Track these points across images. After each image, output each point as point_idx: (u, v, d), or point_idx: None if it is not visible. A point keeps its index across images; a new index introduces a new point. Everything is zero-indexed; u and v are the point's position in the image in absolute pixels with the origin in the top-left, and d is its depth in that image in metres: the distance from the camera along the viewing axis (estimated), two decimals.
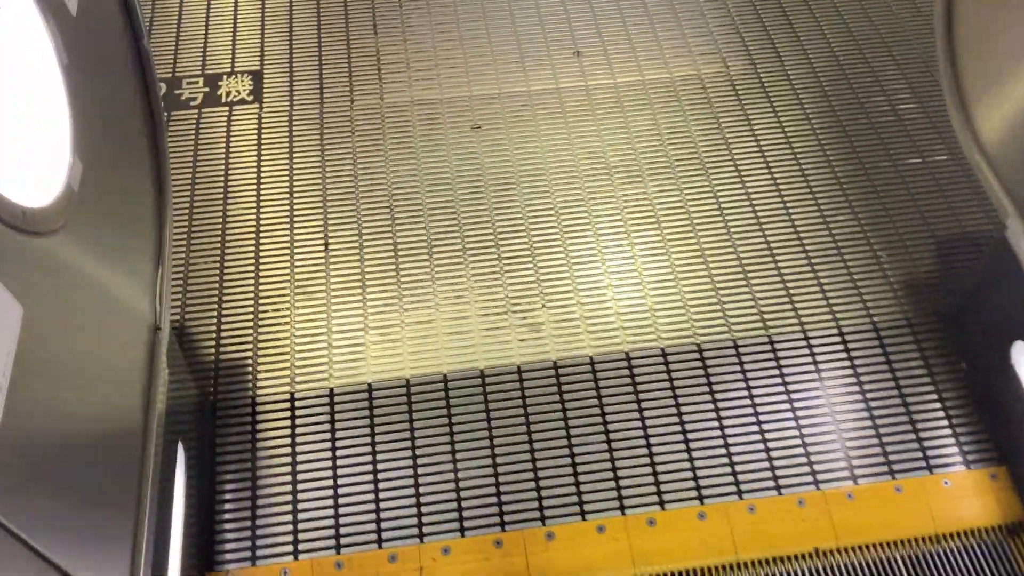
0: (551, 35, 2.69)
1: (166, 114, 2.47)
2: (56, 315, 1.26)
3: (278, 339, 2.05)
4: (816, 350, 2.07)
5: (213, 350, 2.03)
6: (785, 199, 2.34)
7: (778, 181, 2.38)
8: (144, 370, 1.62)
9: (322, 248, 2.21)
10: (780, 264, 2.21)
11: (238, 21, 2.71)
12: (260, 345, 2.04)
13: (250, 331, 2.06)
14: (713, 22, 2.74)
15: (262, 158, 2.39)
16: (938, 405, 2.01)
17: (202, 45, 2.65)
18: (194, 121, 2.46)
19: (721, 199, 2.34)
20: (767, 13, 2.75)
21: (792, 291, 2.16)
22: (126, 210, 1.63)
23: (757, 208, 2.32)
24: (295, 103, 2.51)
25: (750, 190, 2.36)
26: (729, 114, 2.53)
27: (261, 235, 2.23)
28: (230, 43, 2.65)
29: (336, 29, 2.70)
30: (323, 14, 2.74)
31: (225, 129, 2.45)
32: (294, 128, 2.46)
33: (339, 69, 2.60)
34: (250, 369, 2.00)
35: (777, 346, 2.06)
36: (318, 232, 2.24)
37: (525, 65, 2.63)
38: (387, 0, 2.79)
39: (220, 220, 2.25)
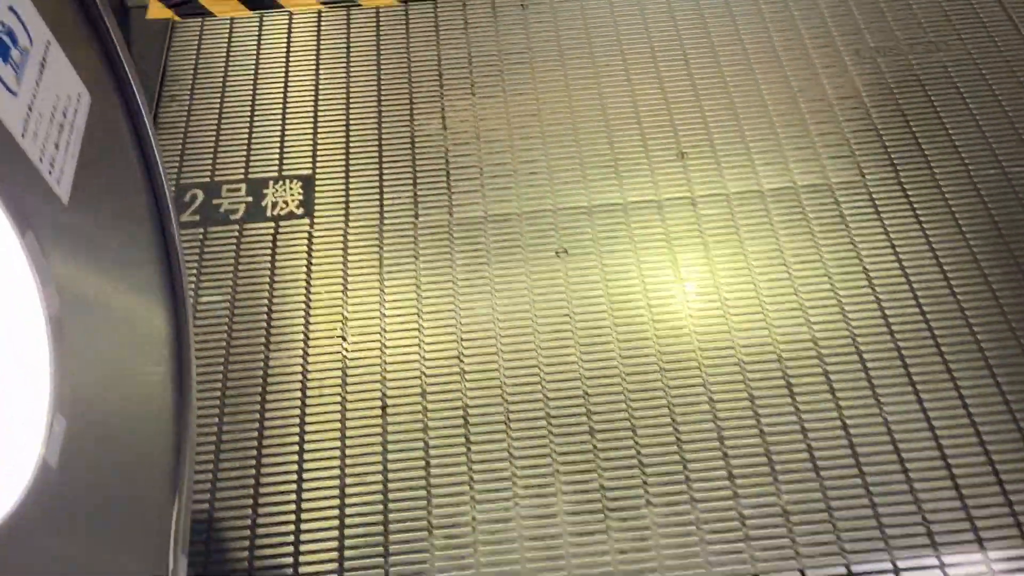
0: (651, 136, 2.28)
1: (202, 230, 2.14)
2: None
3: (324, 542, 1.69)
4: (995, 565, 1.63)
5: (247, 553, 1.67)
6: (944, 352, 1.89)
7: (933, 327, 1.93)
8: None
9: (379, 413, 1.84)
10: (942, 441, 1.77)
11: (287, 114, 2.37)
12: (302, 550, 1.68)
13: (291, 530, 1.70)
14: (844, 116, 2.30)
15: (311, 291, 2.03)
16: None
17: (246, 144, 2.31)
18: (234, 241, 2.11)
19: (864, 353, 1.90)
20: (913, 111, 2.30)
21: (961, 484, 1.72)
22: (132, 446, 1.28)
23: (909, 364, 1.88)
24: (351, 220, 2.15)
25: (899, 340, 1.92)
26: (866, 233, 2.09)
27: (307, 396, 1.87)
28: (278, 142, 2.31)
29: (399, 126, 2.34)
30: (384, 107, 2.38)
31: (270, 252, 2.10)
32: (349, 253, 2.09)
33: (402, 175, 2.24)
34: None
35: (950, 571, 1.62)
36: (375, 391, 1.87)
37: (619, 170, 2.22)
38: (458, 88, 2.42)
39: (260, 375, 1.90)
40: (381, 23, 2.58)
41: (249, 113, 2.37)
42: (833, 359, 1.89)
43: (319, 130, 2.33)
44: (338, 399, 1.87)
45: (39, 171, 1.12)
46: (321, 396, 1.87)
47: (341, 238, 2.13)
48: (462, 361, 1.92)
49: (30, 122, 1.12)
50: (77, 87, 1.27)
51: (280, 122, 2.34)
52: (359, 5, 2.63)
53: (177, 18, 2.61)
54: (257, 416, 1.84)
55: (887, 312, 1.96)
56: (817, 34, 2.49)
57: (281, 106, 2.39)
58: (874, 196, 2.15)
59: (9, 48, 1.10)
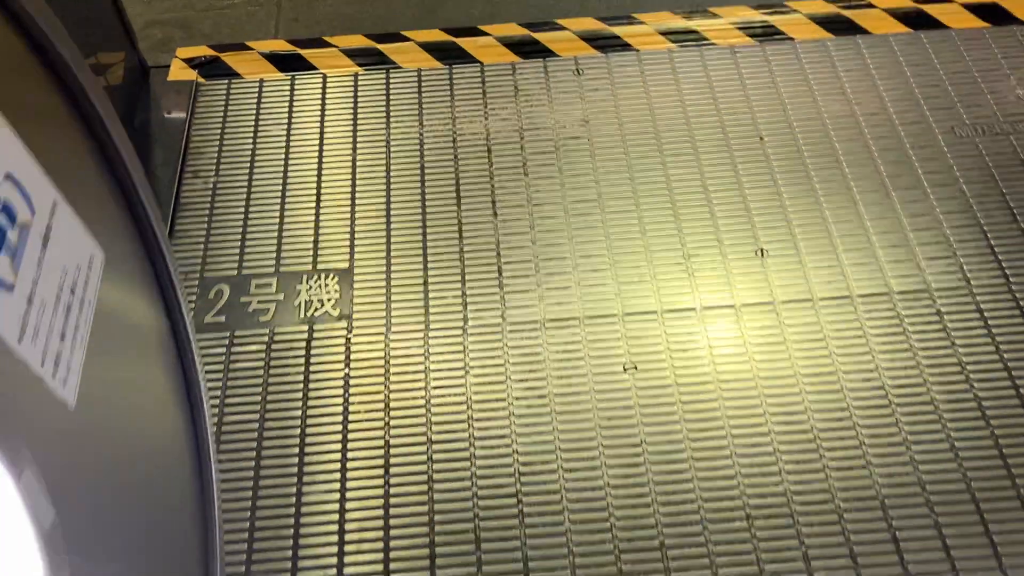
0: (726, 229, 2.05)
1: (228, 334, 1.92)
2: None
3: None
4: None
5: None
6: None
7: None
8: None
9: (427, 565, 1.62)
10: None
11: (322, 194, 2.15)
12: None
13: None
14: (942, 207, 2.06)
15: (349, 412, 1.81)
16: None
17: (276, 229, 2.09)
18: (263, 348, 1.90)
19: (981, 501, 1.67)
20: (1020, 202, 2.06)
21: None
22: None
23: None
24: (393, 323, 1.93)
25: (1019, 484, 1.68)
26: (974, 349, 1.85)
27: (345, 542, 1.65)
28: (311, 228, 2.09)
29: (444, 210, 2.11)
30: (428, 187, 2.16)
31: (303, 361, 1.88)
32: (391, 364, 1.87)
33: (449, 270, 2.01)
34: None
35: None
36: (422, 539, 1.65)
37: (692, 268, 1.99)
38: (508, 167, 2.19)
39: (292, 516, 1.68)
40: (423, 87, 2.36)
41: (280, 192, 2.16)
42: (944, 507, 1.66)
43: (357, 214, 2.12)
44: (380, 546, 1.65)
45: (41, 379, 0.91)
46: (361, 542, 1.65)
47: (382, 346, 1.91)
48: (521, 502, 1.69)
49: (30, 319, 0.90)
50: (89, 248, 1.06)
51: (314, 204, 2.12)
52: (398, 67, 2.41)
53: (201, 80, 2.40)
54: (288, 567, 1.62)
55: (1004, 449, 1.72)
56: (906, 107, 2.25)
57: (315, 184, 2.17)
58: (981, 305, 1.91)
59: (5, 231, 0.88)
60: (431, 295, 1.98)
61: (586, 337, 1.91)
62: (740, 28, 2.44)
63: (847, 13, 2.45)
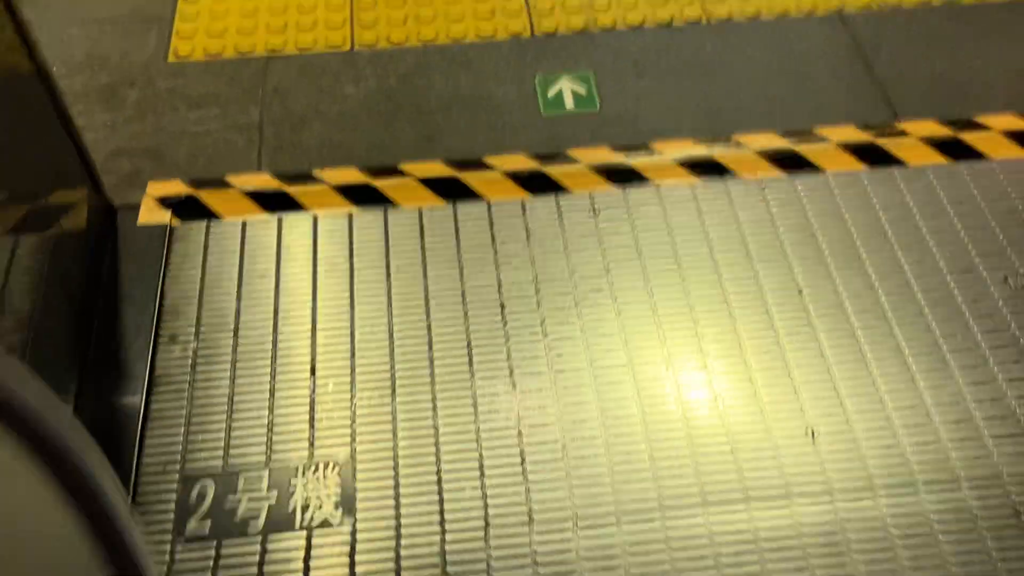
0: (771, 405, 1.84)
1: (213, 547, 1.66)
2: None
3: None
4: None
5: None
6: None
7: None
8: None
9: None
10: None
11: (316, 366, 1.91)
12: None
13: None
14: (1005, 374, 1.88)
15: None
16: None
17: (267, 408, 1.85)
18: (254, 567, 1.64)
19: None
20: None
21: None
22: None
23: None
24: (403, 529, 1.69)
25: None
26: None
27: None
28: (307, 406, 1.85)
29: (456, 383, 1.88)
30: (436, 353, 1.93)
31: None
32: None
33: (465, 458, 1.78)
34: None
35: None
36: None
37: (736, 451, 1.78)
38: (525, 325, 1.97)
39: None
40: (425, 230, 2.14)
41: (269, 361, 1.91)
42: None
43: (357, 387, 1.88)
44: None
45: None
46: None
47: (392, 555, 1.66)
48: None
49: None
50: None
51: (308, 375, 1.88)
52: (396, 206, 2.18)
53: (176, 222, 2.15)
54: None
55: None
56: (953, 253, 2.08)
57: (309, 350, 1.93)
58: None
59: None
60: (445, 489, 1.75)
61: (624, 538, 1.68)
62: (767, 158, 2.26)
63: (880, 142, 2.28)
